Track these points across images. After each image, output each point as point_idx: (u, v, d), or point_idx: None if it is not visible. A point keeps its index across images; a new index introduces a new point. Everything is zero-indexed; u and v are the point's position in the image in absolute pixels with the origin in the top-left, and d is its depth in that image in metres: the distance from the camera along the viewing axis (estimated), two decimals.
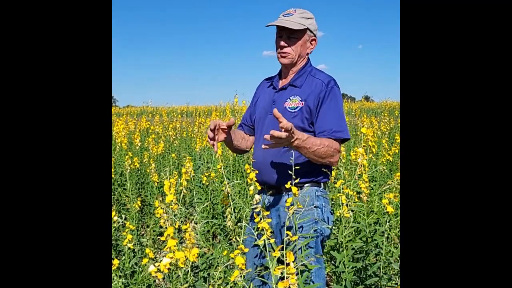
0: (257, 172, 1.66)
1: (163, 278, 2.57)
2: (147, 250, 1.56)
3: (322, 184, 1.63)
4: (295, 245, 1.40)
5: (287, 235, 1.28)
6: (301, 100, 1.59)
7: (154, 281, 2.08)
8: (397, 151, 4.29)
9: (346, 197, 1.68)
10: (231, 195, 2.17)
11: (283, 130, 1.30)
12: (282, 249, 1.16)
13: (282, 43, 1.62)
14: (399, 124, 7.03)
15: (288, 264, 1.04)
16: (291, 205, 1.37)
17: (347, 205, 1.66)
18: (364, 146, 1.88)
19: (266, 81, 1.80)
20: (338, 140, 1.54)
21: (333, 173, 3.02)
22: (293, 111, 1.59)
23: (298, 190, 1.50)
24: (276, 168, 1.61)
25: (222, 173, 2.64)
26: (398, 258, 1.63)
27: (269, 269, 1.09)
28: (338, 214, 1.68)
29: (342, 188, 1.72)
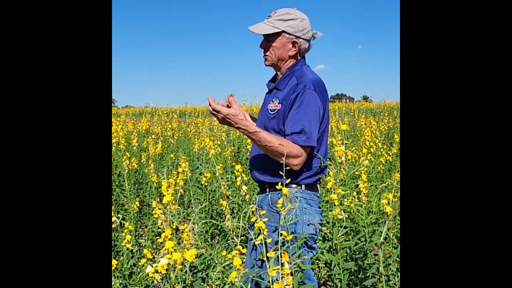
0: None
1: (162, 279, 2.56)
2: (145, 251, 1.56)
3: (303, 185, 1.60)
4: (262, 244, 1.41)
5: (282, 234, 1.30)
6: (279, 103, 1.60)
7: (152, 281, 2.08)
8: (395, 151, 4.29)
9: (337, 197, 1.68)
10: (229, 195, 2.16)
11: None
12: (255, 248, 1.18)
13: (262, 46, 1.65)
14: (397, 125, 7.02)
15: (282, 265, 1.04)
16: (259, 206, 1.42)
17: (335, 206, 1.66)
18: (346, 143, 1.87)
19: None
20: (299, 145, 1.49)
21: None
22: (272, 113, 1.61)
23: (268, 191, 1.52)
24: (260, 167, 1.64)
25: (220, 173, 2.62)
26: (397, 259, 1.62)
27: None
28: (331, 216, 1.68)
29: (334, 189, 1.71)
